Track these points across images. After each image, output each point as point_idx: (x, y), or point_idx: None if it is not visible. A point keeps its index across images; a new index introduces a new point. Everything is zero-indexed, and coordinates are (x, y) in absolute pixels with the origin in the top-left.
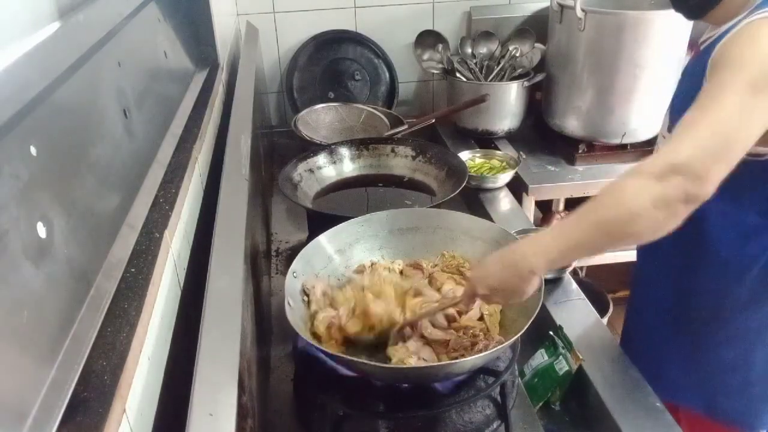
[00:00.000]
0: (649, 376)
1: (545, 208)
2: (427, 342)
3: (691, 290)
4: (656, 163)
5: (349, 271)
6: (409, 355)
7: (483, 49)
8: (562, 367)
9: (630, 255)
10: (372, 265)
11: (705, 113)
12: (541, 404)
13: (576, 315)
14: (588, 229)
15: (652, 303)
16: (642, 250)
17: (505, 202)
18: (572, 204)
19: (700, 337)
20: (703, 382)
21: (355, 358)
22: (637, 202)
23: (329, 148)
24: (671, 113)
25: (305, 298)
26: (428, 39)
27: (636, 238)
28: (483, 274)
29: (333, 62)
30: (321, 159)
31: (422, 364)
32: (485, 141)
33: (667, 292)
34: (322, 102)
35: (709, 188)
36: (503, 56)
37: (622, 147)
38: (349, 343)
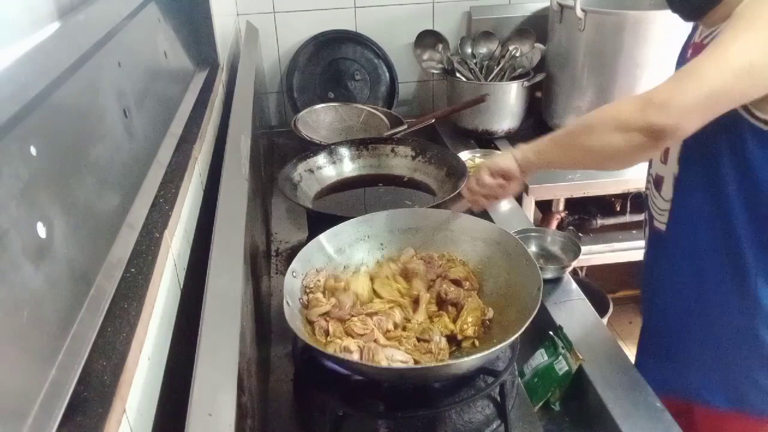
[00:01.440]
0: (674, 377)
1: (545, 208)
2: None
3: (714, 287)
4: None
5: (348, 272)
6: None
7: (483, 49)
8: (562, 367)
9: (629, 255)
10: (377, 262)
11: (692, 62)
12: (541, 404)
13: (576, 315)
14: (563, 134)
15: (674, 301)
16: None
17: (505, 202)
18: (572, 204)
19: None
20: (738, 377)
21: (353, 359)
22: (601, 120)
23: (329, 148)
24: None
25: (305, 298)
26: (428, 39)
27: (596, 155)
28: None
29: (333, 62)
30: (321, 159)
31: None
32: (485, 141)
33: (693, 289)
34: (322, 102)
35: (671, 120)
36: (503, 56)
37: None
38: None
